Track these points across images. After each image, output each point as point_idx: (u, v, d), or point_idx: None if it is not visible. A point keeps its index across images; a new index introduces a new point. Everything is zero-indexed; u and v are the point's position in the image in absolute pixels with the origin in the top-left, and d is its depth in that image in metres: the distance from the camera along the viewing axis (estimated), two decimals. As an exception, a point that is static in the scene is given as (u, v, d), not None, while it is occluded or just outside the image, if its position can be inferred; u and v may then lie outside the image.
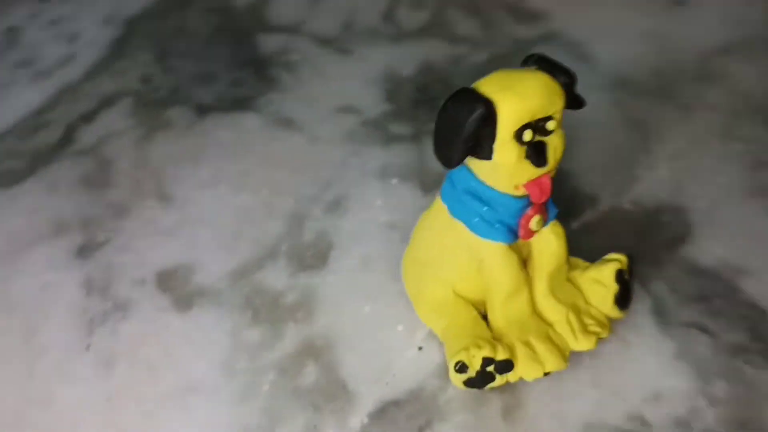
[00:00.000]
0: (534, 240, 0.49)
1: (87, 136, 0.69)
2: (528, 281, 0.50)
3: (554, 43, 0.76)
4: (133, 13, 0.82)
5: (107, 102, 0.72)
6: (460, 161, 0.44)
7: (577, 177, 0.62)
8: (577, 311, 0.50)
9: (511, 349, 0.48)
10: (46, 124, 0.72)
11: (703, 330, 0.52)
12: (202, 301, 0.56)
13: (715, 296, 0.54)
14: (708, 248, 0.57)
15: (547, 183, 0.45)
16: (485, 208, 0.46)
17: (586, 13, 0.80)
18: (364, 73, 0.75)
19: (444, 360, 0.51)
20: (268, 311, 0.55)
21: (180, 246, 0.60)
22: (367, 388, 0.50)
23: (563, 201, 0.48)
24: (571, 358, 0.49)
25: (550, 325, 0.50)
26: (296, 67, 0.76)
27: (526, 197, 0.46)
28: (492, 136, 0.42)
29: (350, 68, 0.75)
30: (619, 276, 0.50)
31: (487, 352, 0.47)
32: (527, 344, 0.48)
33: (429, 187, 0.63)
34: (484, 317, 0.51)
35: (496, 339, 0.49)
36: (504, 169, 0.44)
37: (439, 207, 0.49)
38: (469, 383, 0.47)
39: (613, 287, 0.50)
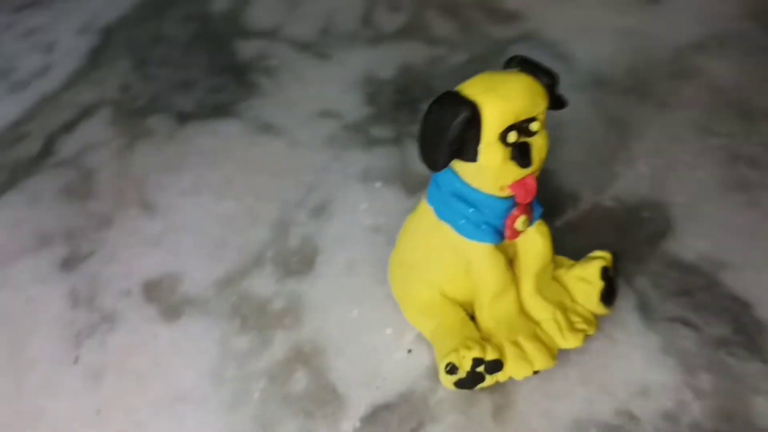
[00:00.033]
0: (519, 240, 0.49)
1: (67, 146, 0.69)
2: (515, 281, 0.50)
3: (531, 43, 0.77)
4: (110, 22, 0.82)
5: (87, 112, 0.72)
6: (446, 164, 0.44)
7: (559, 176, 0.63)
8: (564, 309, 0.50)
9: (500, 349, 0.48)
10: (25, 136, 0.71)
11: (687, 324, 0.53)
12: (189, 310, 0.56)
13: (697, 290, 0.55)
14: (689, 243, 0.58)
15: (532, 183, 0.45)
16: (471, 210, 0.46)
17: (562, 13, 0.80)
18: (343, 76, 0.75)
19: (433, 362, 0.51)
20: (255, 318, 0.55)
21: (165, 255, 0.60)
22: (358, 392, 0.50)
23: (546, 200, 0.48)
24: (559, 356, 0.50)
25: (537, 323, 0.50)
26: (275, 72, 0.76)
27: (511, 198, 0.46)
28: (477, 139, 0.43)
29: (329, 72, 0.75)
30: (604, 273, 0.51)
31: (476, 353, 0.47)
32: (516, 344, 0.49)
33: (413, 189, 0.63)
34: (472, 318, 0.51)
35: (484, 339, 0.49)
36: (489, 171, 0.44)
37: (425, 209, 0.50)
38: (459, 384, 0.48)
39: (599, 284, 0.51)
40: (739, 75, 0.72)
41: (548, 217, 0.50)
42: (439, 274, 0.51)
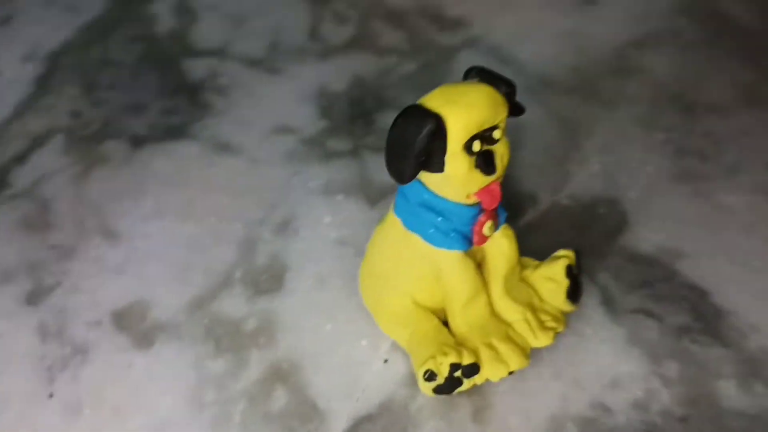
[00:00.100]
0: (487, 245, 0.51)
1: (21, 178, 0.67)
2: (484, 285, 0.52)
3: (476, 48, 0.78)
4: (54, 48, 0.80)
5: (38, 141, 0.70)
6: (413, 176, 0.45)
7: (517, 179, 0.65)
8: (534, 309, 0.52)
9: (475, 352, 0.49)
10: (-24, 170, 0.70)
11: (650, 315, 0.55)
12: (161, 337, 0.55)
13: (656, 281, 0.57)
14: (645, 236, 0.60)
15: (497, 190, 0.47)
16: (439, 219, 0.47)
17: (504, 18, 0.82)
18: (296, 91, 0.75)
19: (410, 369, 0.52)
20: (229, 340, 0.55)
21: (132, 282, 0.59)
22: (339, 405, 0.51)
23: (506, 203, 0.49)
24: (532, 354, 0.51)
25: (509, 325, 0.52)
26: (227, 90, 0.76)
27: (477, 205, 0.47)
28: (443, 150, 0.44)
29: (282, 87, 0.76)
30: (569, 271, 0.53)
31: (453, 358, 0.48)
32: (490, 346, 0.50)
33: (375, 199, 0.64)
34: (445, 324, 0.52)
35: (459, 344, 0.50)
36: (456, 180, 0.45)
37: (393, 220, 0.50)
38: (438, 390, 0.49)
39: (564, 282, 0.52)
40: (677, 70, 0.75)
41: (510, 220, 0.51)
42: (409, 283, 0.52)
